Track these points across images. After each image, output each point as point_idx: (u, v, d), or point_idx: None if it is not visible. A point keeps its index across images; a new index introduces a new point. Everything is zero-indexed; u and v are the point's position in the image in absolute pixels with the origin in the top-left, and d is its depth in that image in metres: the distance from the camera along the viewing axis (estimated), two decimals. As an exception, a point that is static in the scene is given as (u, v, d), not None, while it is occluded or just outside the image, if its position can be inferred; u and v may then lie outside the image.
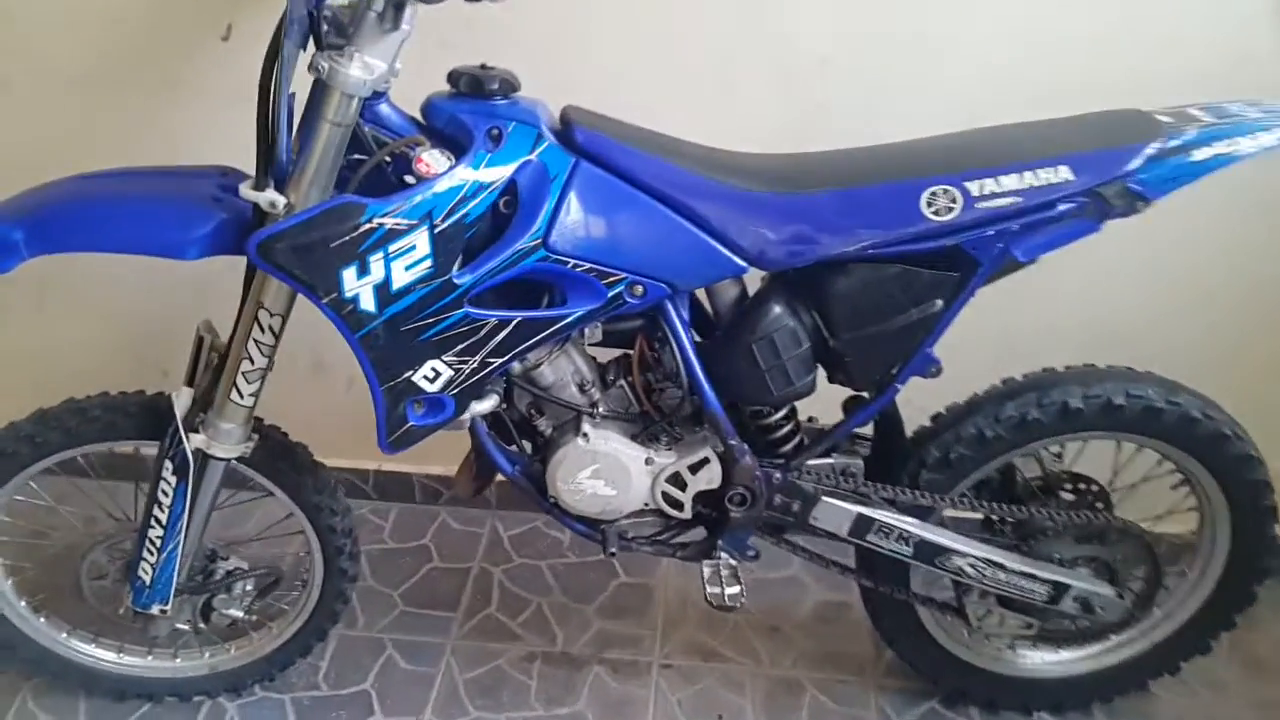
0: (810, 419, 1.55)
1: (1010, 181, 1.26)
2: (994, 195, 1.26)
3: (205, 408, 1.41)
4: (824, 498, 1.45)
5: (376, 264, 1.20)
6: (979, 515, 1.54)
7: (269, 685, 1.78)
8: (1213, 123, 1.28)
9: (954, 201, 1.26)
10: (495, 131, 1.23)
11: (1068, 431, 1.46)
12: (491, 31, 1.64)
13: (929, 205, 1.26)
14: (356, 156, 1.25)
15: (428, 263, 1.21)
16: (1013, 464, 1.53)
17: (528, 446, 1.52)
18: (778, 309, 1.34)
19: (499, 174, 1.23)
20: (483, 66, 1.28)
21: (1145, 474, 1.56)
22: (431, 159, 1.21)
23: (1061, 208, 1.28)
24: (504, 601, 1.97)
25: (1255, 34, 1.63)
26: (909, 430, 1.54)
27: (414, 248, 1.20)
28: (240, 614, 1.62)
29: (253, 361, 1.35)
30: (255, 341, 1.33)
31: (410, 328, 1.24)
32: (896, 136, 1.39)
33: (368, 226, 1.18)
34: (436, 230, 1.20)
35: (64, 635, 1.70)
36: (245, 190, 1.22)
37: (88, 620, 1.70)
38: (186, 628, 1.62)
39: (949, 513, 1.50)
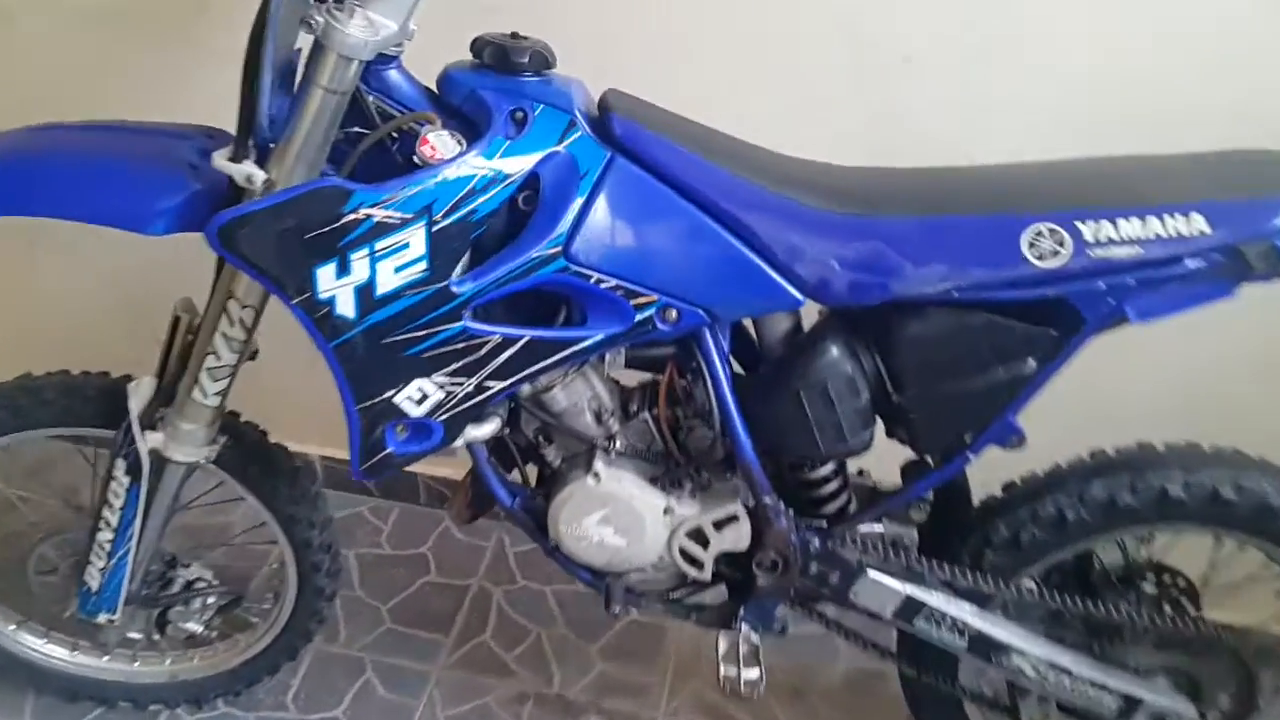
0: (860, 472, 1.34)
1: (1131, 228, 1.04)
2: (1110, 242, 1.04)
3: (168, 401, 1.24)
4: (869, 572, 1.24)
5: (360, 262, 1.00)
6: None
7: (233, 700, 1.62)
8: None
9: (1062, 245, 1.04)
10: (520, 114, 1.03)
11: (1162, 521, 1.23)
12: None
13: (1031, 246, 1.04)
14: (357, 130, 1.07)
15: (422, 265, 1.02)
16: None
17: (532, 473, 1.33)
18: (835, 351, 1.13)
19: (518, 165, 1.03)
20: (513, 35, 1.08)
21: (1247, 574, 1.33)
22: (439, 141, 1.01)
23: (1190, 265, 1.06)
24: (501, 628, 1.79)
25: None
26: (974, 497, 1.32)
27: (406, 246, 1.01)
28: (198, 629, 1.45)
29: (219, 357, 1.17)
30: (223, 335, 1.15)
31: (395, 340, 1.05)
32: (988, 156, 1.18)
33: (352, 217, 0.99)
34: (435, 227, 1.01)
35: (13, 628, 1.55)
36: (219, 160, 1.03)
37: (40, 613, 1.54)
38: (140, 637, 1.46)
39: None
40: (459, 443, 1.15)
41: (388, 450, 1.12)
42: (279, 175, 1.02)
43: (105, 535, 1.30)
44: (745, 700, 1.66)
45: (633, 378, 1.29)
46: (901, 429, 1.18)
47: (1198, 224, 1.03)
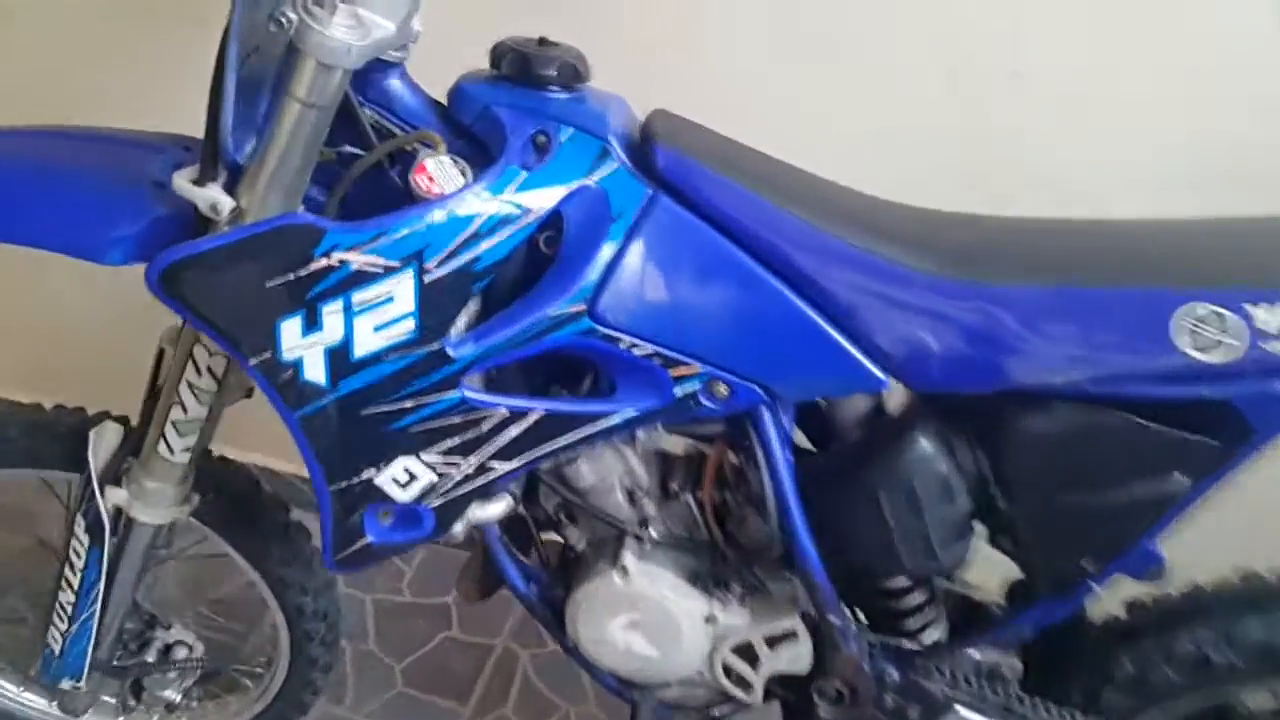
0: (950, 577, 1.10)
1: (1327, 313, 0.79)
2: (1297, 332, 0.80)
3: (137, 450, 1.07)
4: (959, 709, 1.00)
5: (333, 318, 0.81)
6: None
7: (223, 767, 1.45)
8: None
9: (1227, 332, 0.80)
10: (542, 138, 0.83)
11: (1335, 674, 0.98)
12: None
13: (1188, 333, 0.80)
14: (350, 150, 0.88)
15: (409, 323, 0.82)
16: (1236, 692, 1.06)
17: (552, 544, 1.13)
18: (926, 445, 0.91)
19: (537, 202, 0.83)
20: (540, 41, 0.88)
21: None
22: (438, 171, 0.82)
23: (1406, 362, 0.80)
24: (524, 701, 1.59)
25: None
26: (1089, 615, 1.08)
27: (390, 299, 0.81)
28: (176, 697, 1.29)
29: (185, 410, 0.99)
30: (189, 385, 0.98)
31: (376, 412, 0.85)
32: (1125, 207, 0.94)
33: (324, 263, 0.79)
34: (427, 278, 0.81)
35: (-13, 674, 1.40)
36: (180, 182, 0.84)
37: (13, 662, 1.39)
38: (114, 701, 1.30)
39: None
40: (458, 529, 0.95)
41: (367, 540, 0.92)
42: (249, 203, 0.83)
43: (67, 596, 1.14)
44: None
45: (676, 443, 1.08)
46: (1009, 542, 0.95)
47: None
